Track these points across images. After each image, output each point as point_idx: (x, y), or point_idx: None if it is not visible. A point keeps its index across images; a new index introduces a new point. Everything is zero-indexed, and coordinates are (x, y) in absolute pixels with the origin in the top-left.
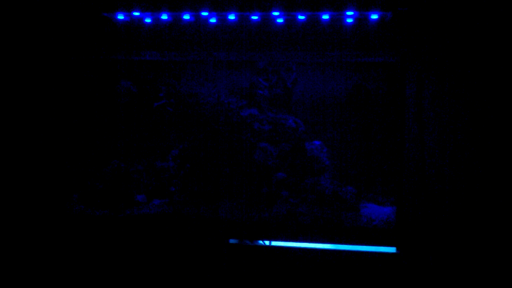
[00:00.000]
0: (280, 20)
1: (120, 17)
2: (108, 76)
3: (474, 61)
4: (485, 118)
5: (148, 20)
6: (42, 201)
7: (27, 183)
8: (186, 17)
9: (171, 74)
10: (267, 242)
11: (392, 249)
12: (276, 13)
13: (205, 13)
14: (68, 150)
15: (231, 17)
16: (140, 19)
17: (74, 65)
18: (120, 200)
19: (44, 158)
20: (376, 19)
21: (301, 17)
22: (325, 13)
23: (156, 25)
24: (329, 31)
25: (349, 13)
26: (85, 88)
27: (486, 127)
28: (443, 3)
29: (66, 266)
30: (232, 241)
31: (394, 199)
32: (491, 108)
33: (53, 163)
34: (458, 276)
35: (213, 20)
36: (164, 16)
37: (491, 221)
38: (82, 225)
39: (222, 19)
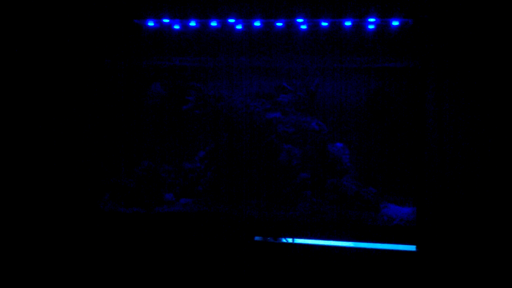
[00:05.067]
0: (303, 27)
1: (150, 24)
2: (140, 80)
3: (493, 66)
4: (505, 121)
5: (177, 27)
6: (76, 200)
7: (62, 183)
8: (214, 24)
9: (199, 78)
10: (290, 240)
11: (412, 247)
12: (300, 20)
13: (231, 20)
14: (101, 150)
15: (257, 24)
16: (169, 26)
17: (108, 69)
18: (149, 198)
19: (78, 159)
20: (397, 25)
21: (324, 24)
22: (347, 20)
23: (184, 32)
24: (351, 37)
25: (371, 19)
26: (118, 92)
27: (506, 130)
28: (463, 11)
29: (98, 261)
30: (257, 238)
31: (414, 199)
32: (511, 111)
33: (87, 163)
34: (477, 275)
35: (239, 27)
36: (192, 23)
37: (510, 221)
38: (113, 222)
39: (248, 26)
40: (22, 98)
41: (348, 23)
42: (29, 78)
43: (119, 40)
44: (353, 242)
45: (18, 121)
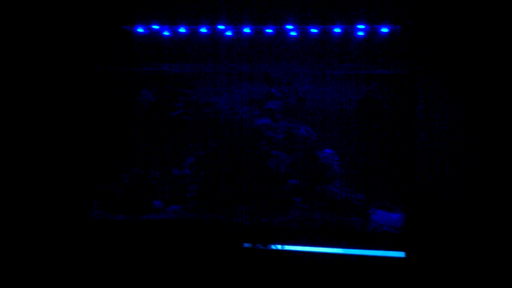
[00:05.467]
0: (293, 33)
1: (140, 30)
2: (129, 86)
3: (482, 72)
4: (494, 128)
5: (166, 33)
6: (63, 207)
7: (49, 189)
8: (203, 30)
9: (188, 84)
10: (279, 247)
11: (401, 254)
12: (289, 27)
13: (221, 27)
14: (89, 157)
15: (246, 30)
16: (158, 32)
17: (95, 75)
18: (137, 206)
19: (65, 165)
20: (386, 32)
21: (313, 31)
22: (337, 27)
23: (174, 38)
24: (341, 43)
25: (360, 26)
26: (106, 98)
27: (495, 136)
28: (451, 17)
29: (86, 269)
30: (246, 245)
31: (403, 205)
32: (500, 117)
33: (74, 170)
34: (466, 281)
35: (229, 33)
36: (182, 29)
37: (499, 228)
38: (101, 229)
39: (238, 32)
40: (9, 104)
41: (337, 30)
42: (17, 84)
43: (108, 46)
44: (342, 249)
45: (5, 128)
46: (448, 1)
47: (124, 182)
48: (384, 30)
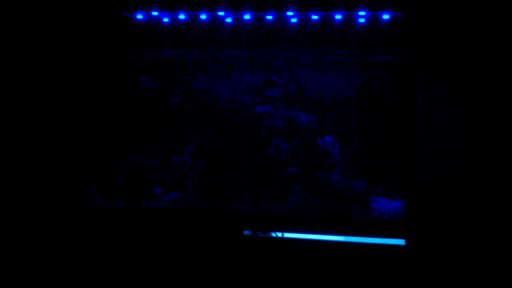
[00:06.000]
0: (294, 20)
1: (139, 16)
2: (127, 73)
3: (483, 59)
4: (494, 115)
5: (166, 20)
6: (63, 194)
7: (49, 177)
8: (203, 16)
9: (188, 71)
10: (279, 234)
11: (401, 241)
12: (290, 13)
13: (221, 13)
14: (88, 144)
15: (247, 17)
16: (158, 19)
17: (95, 62)
18: (137, 193)
19: (65, 153)
20: (387, 19)
21: (314, 17)
22: (338, 13)
23: (173, 25)
24: (342, 30)
25: (361, 13)
26: (106, 85)
27: (495, 123)
28: (452, 4)
29: (86, 256)
30: (246, 232)
31: (404, 193)
32: (500, 105)
33: (74, 157)
34: (465, 269)
35: (229, 20)
36: (182, 16)
37: (498, 216)
38: (101, 216)
39: (238, 19)
40: (6, 93)
41: (338, 17)
42: (14, 73)
43: (108, 33)
44: (342, 236)
45: (4, 117)
46: None
47: (124, 170)
48: (385, 16)
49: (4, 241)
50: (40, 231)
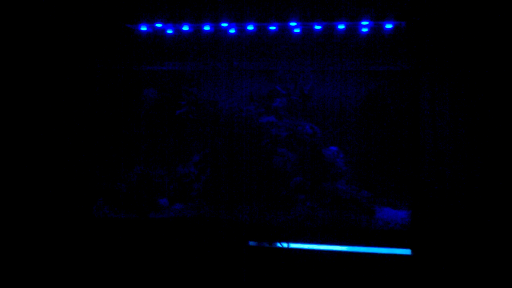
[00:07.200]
0: (297, 30)
1: (143, 28)
2: (132, 84)
3: (487, 68)
4: (500, 124)
5: (170, 31)
6: (69, 205)
7: (55, 187)
8: (207, 28)
9: (192, 82)
10: (285, 244)
11: (407, 251)
12: (293, 24)
13: (224, 24)
14: (94, 155)
15: (250, 27)
16: (162, 30)
17: (100, 73)
18: (143, 203)
19: (71, 163)
20: (390, 28)
21: (317, 27)
22: (341, 23)
23: (177, 36)
24: (345, 40)
25: (364, 22)
26: (111, 96)
27: (501, 132)
28: (456, 13)
29: (91, 267)
30: (251, 243)
31: (409, 203)
32: (506, 113)
33: (80, 168)
34: (472, 279)
35: (232, 31)
36: (185, 27)
37: (506, 226)
38: (107, 228)
39: (241, 30)
40: (13, 102)
41: (341, 26)
42: (20, 82)
43: (112, 45)
44: (348, 246)
45: (10, 126)
46: None
47: (129, 180)
48: (389, 26)
49: (9, 252)
50: (45, 242)
